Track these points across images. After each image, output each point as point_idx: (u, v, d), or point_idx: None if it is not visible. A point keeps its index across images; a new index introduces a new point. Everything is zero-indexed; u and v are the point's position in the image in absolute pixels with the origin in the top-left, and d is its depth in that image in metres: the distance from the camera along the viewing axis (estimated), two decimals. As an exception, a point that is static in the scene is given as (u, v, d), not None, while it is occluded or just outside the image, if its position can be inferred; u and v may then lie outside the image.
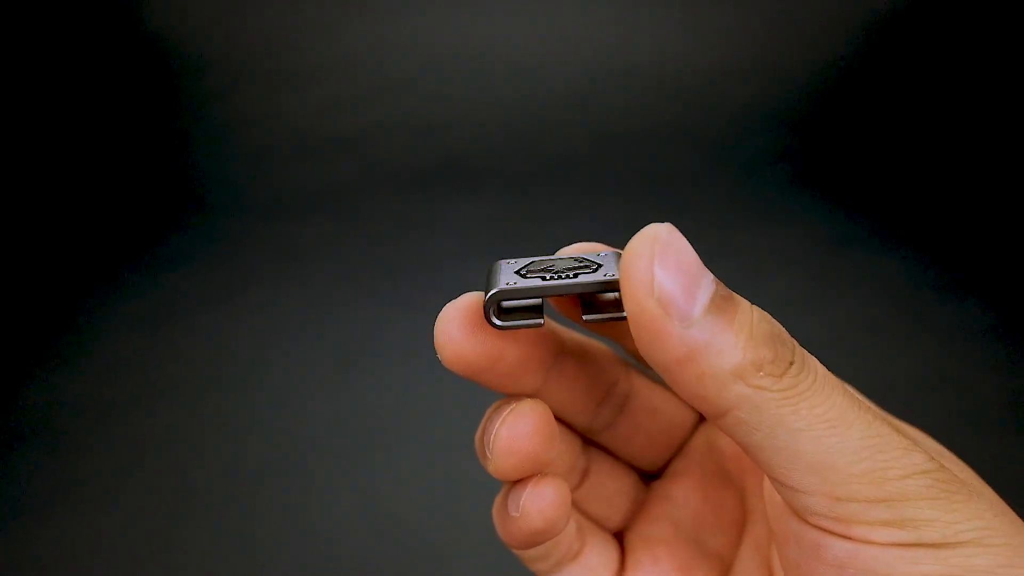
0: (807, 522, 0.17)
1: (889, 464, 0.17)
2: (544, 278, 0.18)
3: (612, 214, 1.03)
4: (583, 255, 0.19)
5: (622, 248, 0.19)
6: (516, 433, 0.20)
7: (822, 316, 0.88)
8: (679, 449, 0.26)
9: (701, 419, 0.27)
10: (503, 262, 0.19)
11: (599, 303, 0.19)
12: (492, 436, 0.20)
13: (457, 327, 0.19)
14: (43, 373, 0.85)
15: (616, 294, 0.19)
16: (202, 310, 0.92)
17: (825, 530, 0.17)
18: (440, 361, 0.20)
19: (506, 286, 0.18)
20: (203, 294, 0.94)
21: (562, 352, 0.22)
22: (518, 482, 0.21)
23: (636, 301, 0.16)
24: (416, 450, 0.75)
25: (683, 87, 1.20)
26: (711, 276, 0.17)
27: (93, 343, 0.89)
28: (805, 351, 0.18)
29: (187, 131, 1.17)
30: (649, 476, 0.27)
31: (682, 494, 0.25)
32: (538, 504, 0.20)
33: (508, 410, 0.21)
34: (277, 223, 1.04)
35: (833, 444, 0.16)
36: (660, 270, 0.16)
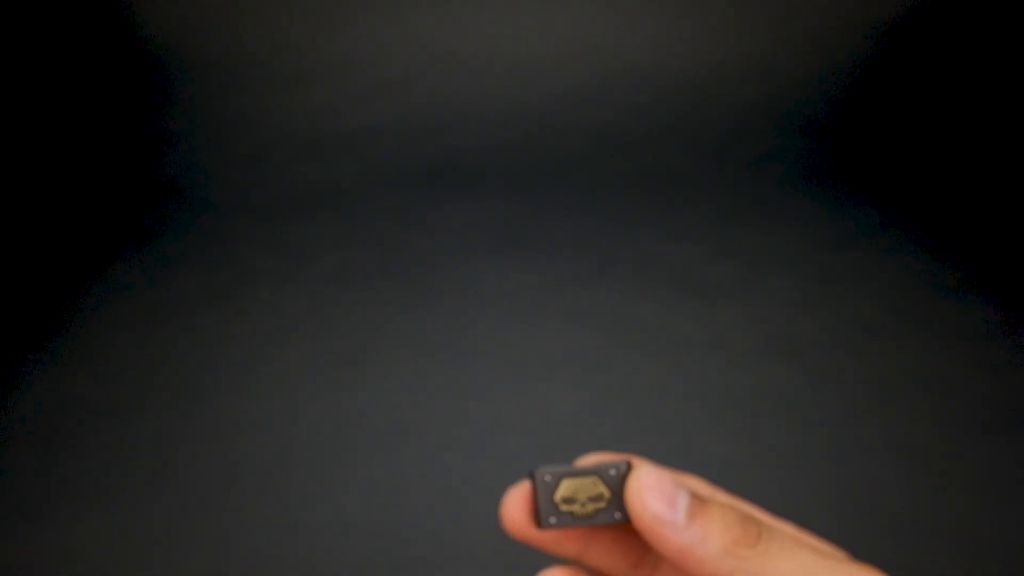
0: None
1: None
2: (574, 514, 0.27)
3: (612, 214, 1.03)
4: (601, 468, 0.27)
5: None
6: None
7: (822, 316, 0.88)
8: None
9: None
10: (540, 478, 0.27)
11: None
12: None
13: (515, 510, 0.27)
14: (43, 373, 0.85)
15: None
16: (201, 310, 0.92)
17: None
18: (504, 529, 0.26)
19: (551, 522, 0.27)
20: (203, 294, 0.94)
21: (598, 527, 0.30)
22: None
23: (638, 518, 0.24)
24: (416, 450, 0.75)
25: (683, 87, 1.20)
26: (685, 491, 0.24)
27: (92, 343, 0.89)
28: (772, 522, 0.24)
29: (187, 131, 1.17)
30: None
31: None
32: None
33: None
34: (277, 223, 1.04)
35: None
36: (646, 497, 0.24)
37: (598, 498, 0.27)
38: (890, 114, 1.17)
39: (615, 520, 0.27)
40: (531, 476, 0.28)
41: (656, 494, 0.24)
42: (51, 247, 1.02)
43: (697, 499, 0.24)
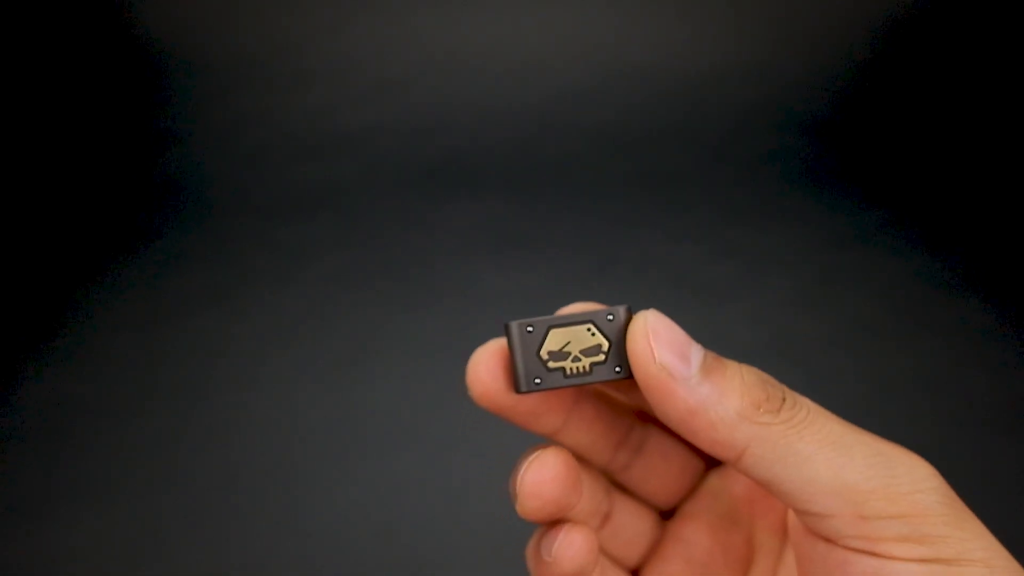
0: (835, 544, 0.19)
1: (899, 479, 0.18)
2: (565, 371, 0.21)
3: (612, 214, 1.03)
4: (595, 314, 0.22)
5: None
6: (539, 479, 0.22)
7: (822, 316, 0.88)
8: (691, 491, 0.28)
9: (710, 465, 0.29)
10: (520, 329, 0.22)
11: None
12: (518, 480, 0.23)
13: (485, 371, 0.23)
14: (41, 373, 0.85)
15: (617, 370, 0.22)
16: (201, 310, 0.92)
17: (852, 549, 0.19)
18: (470, 396, 0.23)
19: (536, 383, 0.21)
20: (202, 294, 0.94)
21: (580, 398, 0.25)
22: (550, 528, 0.23)
23: (643, 370, 0.20)
24: (416, 452, 0.75)
25: (683, 87, 1.20)
26: (699, 345, 0.20)
27: (91, 343, 0.88)
28: (794, 392, 0.21)
29: (187, 131, 1.17)
30: (668, 514, 0.29)
31: (693, 535, 0.27)
32: (569, 551, 0.22)
33: (534, 457, 0.23)
34: (277, 223, 1.04)
35: (844, 464, 0.19)
36: (655, 344, 0.20)
37: (595, 350, 0.21)
38: (890, 114, 1.17)
39: (615, 376, 0.21)
40: (506, 329, 0.22)
41: (666, 342, 0.20)
42: (51, 246, 1.02)
43: (713, 354, 0.20)
